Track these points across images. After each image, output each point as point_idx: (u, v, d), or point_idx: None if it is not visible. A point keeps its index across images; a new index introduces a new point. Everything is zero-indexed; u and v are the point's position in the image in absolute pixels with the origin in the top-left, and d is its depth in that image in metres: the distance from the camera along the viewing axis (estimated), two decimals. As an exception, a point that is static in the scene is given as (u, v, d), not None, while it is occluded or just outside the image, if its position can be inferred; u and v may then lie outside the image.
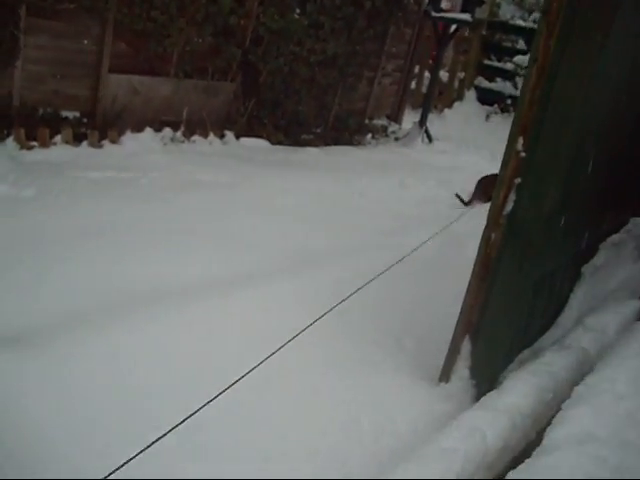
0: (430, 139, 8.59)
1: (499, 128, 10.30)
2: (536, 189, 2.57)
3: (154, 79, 6.01)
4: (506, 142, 2.63)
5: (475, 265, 2.77)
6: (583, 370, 2.95)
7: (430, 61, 9.95)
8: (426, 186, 6.51)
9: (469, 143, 9.39)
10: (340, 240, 4.58)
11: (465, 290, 2.99)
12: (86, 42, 5.50)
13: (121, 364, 2.72)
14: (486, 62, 11.12)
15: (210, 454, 2.33)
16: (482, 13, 8.79)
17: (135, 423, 2.37)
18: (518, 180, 2.59)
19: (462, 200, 6.15)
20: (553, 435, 2.05)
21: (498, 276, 2.70)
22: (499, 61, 11.26)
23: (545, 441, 2.05)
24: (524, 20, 11.26)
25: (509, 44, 11.47)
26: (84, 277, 3.37)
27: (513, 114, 9.82)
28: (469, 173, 7.37)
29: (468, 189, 6.38)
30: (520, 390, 2.52)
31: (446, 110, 10.33)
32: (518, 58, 10.44)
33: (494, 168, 7.71)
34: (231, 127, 6.65)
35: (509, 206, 2.63)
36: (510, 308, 2.74)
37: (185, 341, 2.95)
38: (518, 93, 9.15)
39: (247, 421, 2.57)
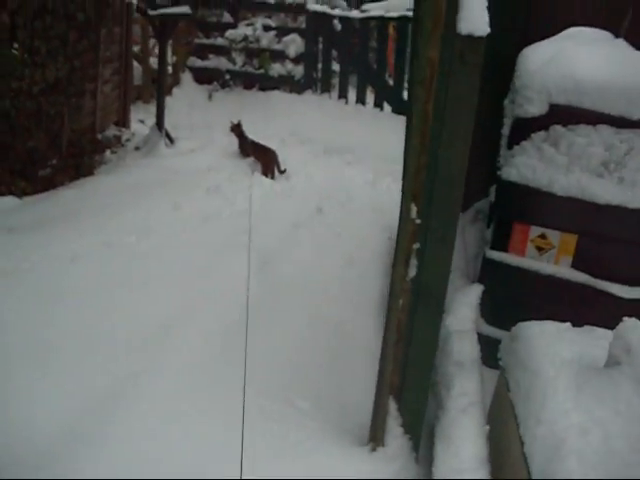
0: (172, 140, 8.22)
1: (225, 105, 10.22)
2: (435, 252, 2.62)
3: None
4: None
5: (386, 333, 2.78)
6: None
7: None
8: (202, 202, 6.23)
9: (200, 127, 9.19)
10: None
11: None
12: None
13: None
14: (196, 41, 10.77)
15: None
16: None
17: None
18: (417, 245, 2.62)
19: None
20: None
21: (413, 338, 2.74)
22: (207, 38, 10.99)
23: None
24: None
25: (214, 19, 11.10)
26: None
27: (235, 89, 9.85)
28: (229, 172, 7.25)
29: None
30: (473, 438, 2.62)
31: (167, 99, 9.87)
32: (230, 33, 10.28)
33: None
34: (-39, 191, 5.60)
35: (412, 271, 2.66)
36: (427, 360, 2.82)
37: None
38: (236, 67, 9.06)
39: None
